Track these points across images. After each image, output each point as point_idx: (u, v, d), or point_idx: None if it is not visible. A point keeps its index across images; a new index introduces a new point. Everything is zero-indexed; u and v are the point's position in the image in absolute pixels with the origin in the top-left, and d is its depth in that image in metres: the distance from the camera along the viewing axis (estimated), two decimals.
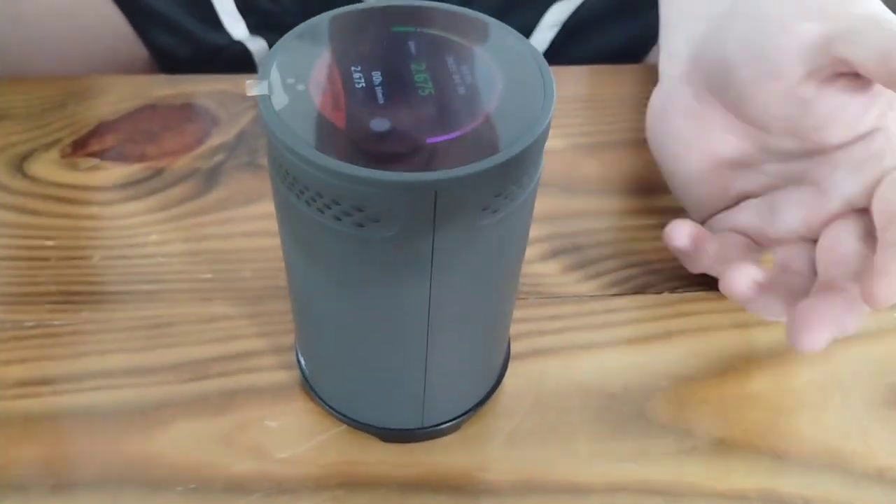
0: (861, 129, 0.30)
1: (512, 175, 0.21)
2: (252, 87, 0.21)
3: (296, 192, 0.21)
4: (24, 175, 0.37)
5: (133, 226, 0.35)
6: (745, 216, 0.33)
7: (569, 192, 0.39)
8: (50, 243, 0.35)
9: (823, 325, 0.27)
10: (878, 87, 0.29)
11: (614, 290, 0.34)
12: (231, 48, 0.53)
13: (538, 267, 0.35)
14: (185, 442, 0.29)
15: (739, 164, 0.33)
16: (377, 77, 0.22)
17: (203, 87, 0.42)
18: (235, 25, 0.52)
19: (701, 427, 0.30)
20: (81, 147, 0.39)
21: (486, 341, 0.27)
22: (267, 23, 0.54)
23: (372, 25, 0.24)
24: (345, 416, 0.28)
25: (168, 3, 0.51)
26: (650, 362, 0.32)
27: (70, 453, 0.28)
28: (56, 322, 0.32)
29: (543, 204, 0.38)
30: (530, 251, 0.36)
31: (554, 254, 0.36)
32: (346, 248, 0.21)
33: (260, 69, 0.22)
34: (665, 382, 0.31)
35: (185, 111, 0.41)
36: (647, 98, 0.44)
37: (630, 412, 0.30)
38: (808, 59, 0.29)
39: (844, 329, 0.27)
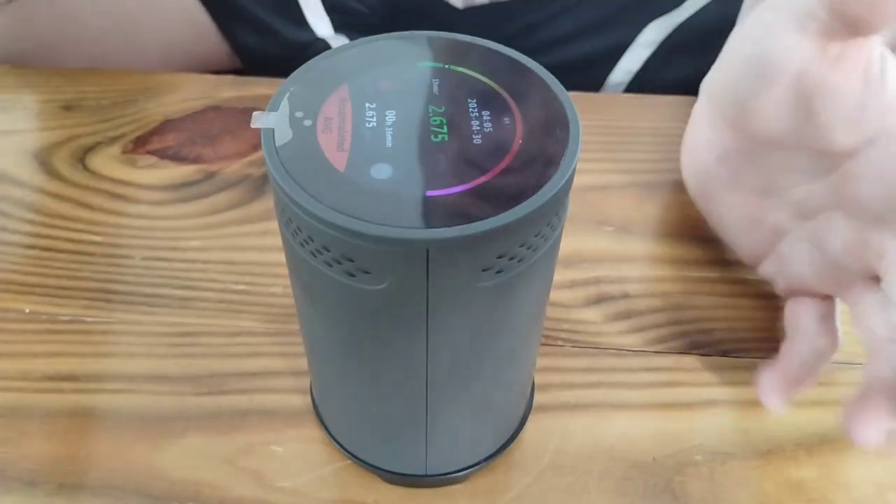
0: (867, 129, 0.27)
1: (517, 236, 0.19)
2: (257, 119, 0.20)
3: (291, 231, 0.20)
4: (85, 168, 0.38)
5: (178, 228, 0.36)
6: (794, 264, 0.31)
7: (625, 233, 0.36)
8: (97, 238, 0.35)
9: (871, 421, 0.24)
10: (875, 83, 0.27)
11: (659, 347, 0.32)
12: (315, 46, 0.53)
13: (579, 313, 0.33)
14: (191, 457, 0.28)
15: (763, 192, 0.31)
16: (390, 117, 0.21)
17: (270, 91, 0.42)
18: (319, 23, 0.52)
19: None
20: (143, 144, 0.39)
21: (495, 398, 0.25)
22: (351, 21, 0.53)
23: (399, 58, 0.23)
24: (349, 451, 0.27)
25: (253, 1, 0.51)
26: (686, 432, 0.30)
27: (80, 454, 0.28)
28: (89, 319, 0.32)
29: (595, 244, 0.36)
30: (572, 294, 0.34)
31: (599, 300, 0.34)
32: (339, 295, 0.20)
33: (271, 100, 0.21)
34: (700, 457, 0.29)
35: (248, 115, 0.41)
36: None
37: (655, 485, 0.28)
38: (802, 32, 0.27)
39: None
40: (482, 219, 0.18)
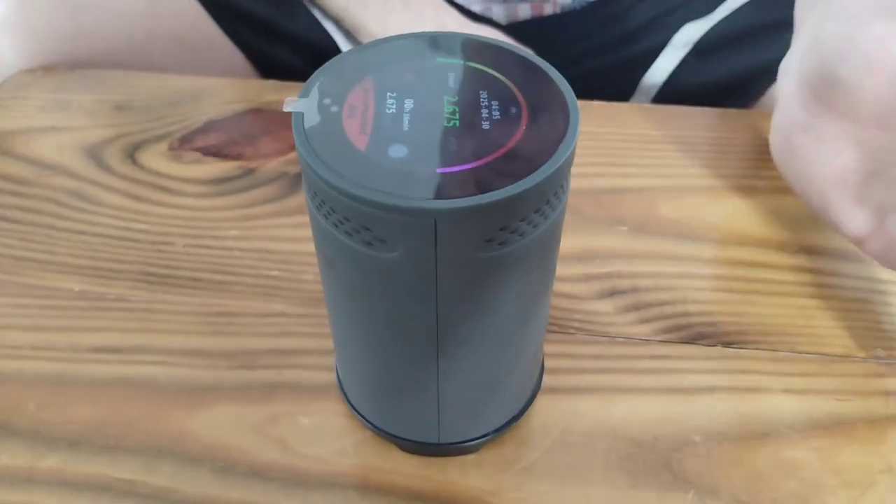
0: None
1: (517, 211, 0.21)
2: (289, 104, 0.23)
3: (316, 204, 0.22)
4: (134, 162, 0.41)
5: (218, 219, 0.38)
6: None
7: (640, 233, 0.38)
8: (142, 226, 0.38)
9: None
10: None
11: (665, 337, 0.34)
12: None
13: (592, 304, 0.35)
14: (222, 424, 0.31)
15: (867, 172, 0.32)
16: (409, 105, 0.23)
17: None
18: None
19: (727, 489, 0.29)
20: (188, 142, 0.42)
21: (503, 370, 0.27)
22: None
23: (420, 55, 0.25)
24: (369, 422, 0.30)
25: (298, 59, 0.55)
26: (687, 415, 0.31)
27: (122, 419, 0.31)
28: (134, 298, 0.35)
29: (610, 242, 0.38)
30: (586, 287, 0.36)
31: (611, 293, 0.36)
32: (357, 263, 0.23)
33: (303, 88, 0.23)
34: (698, 437, 0.31)
35: (286, 117, 0.43)
36: (738, 145, 0.43)
37: (655, 462, 0.30)
38: None
39: None
40: (484, 193, 0.20)
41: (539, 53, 0.56)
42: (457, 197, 0.20)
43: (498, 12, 0.56)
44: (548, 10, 0.56)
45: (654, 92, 0.57)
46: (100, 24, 0.50)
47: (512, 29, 0.56)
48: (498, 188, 0.20)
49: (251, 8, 0.54)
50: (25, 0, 0.48)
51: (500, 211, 0.21)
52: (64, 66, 0.48)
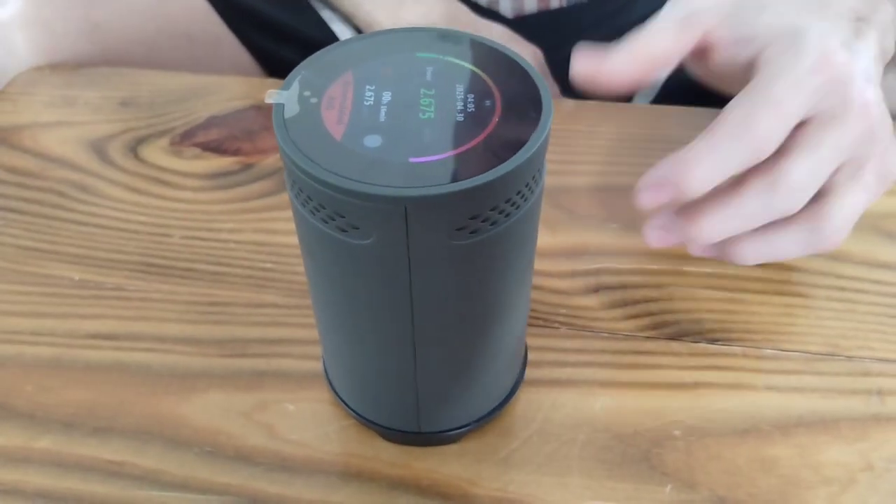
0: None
1: (487, 200, 0.22)
2: (270, 96, 0.23)
3: (295, 192, 0.23)
4: (136, 157, 0.42)
5: (214, 212, 0.39)
6: None
7: (630, 230, 0.39)
8: (142, 218, 0.39)
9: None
10: None
11: (650, 333, 0.34)
12: None
13: (578, 299, 0.36)
14: (211, 410, 0.32)
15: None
16: (386, 97, 0.24)
17: None
18: None
19: (705, 482, 0.29)
20: (189, 137, 0.43)
21: (480, 359, 0.27)
22: None
23: (400, 49, 0.26)
24: (352, 410, 0.30)
25: (303, 58, 0.56)
26: (668, 410, 0.32)
27: (114, 402, 0.32)
28: (131, 287, 0.36)
29: (600, 239, 0.38)
30: (573, 283, 0.36)
31: (597, 288, 0.36)
32: (333, 248, 0.23)
33: (285, 81, 0.24)
34: (679, 432, 0.31)
35: None
36: None
37: (634, 455, 0.30)
38: None
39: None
40: (454, 182, 0.21)
41: (546, 46, 0.56)
42: (428, 186, 0.21)
43: (505, 6, 0.57)
44: (554, 3, 0.56)
45: (659, 83, 0.57)
46: (113, 21, 0.51)
47: (519, 22, 0.57)
48: (468, 177, 0.21)
49: (259, 7, 0.55)
50: None
51: (470, 200, 0.21)
52: (75, 61, 0.49)
